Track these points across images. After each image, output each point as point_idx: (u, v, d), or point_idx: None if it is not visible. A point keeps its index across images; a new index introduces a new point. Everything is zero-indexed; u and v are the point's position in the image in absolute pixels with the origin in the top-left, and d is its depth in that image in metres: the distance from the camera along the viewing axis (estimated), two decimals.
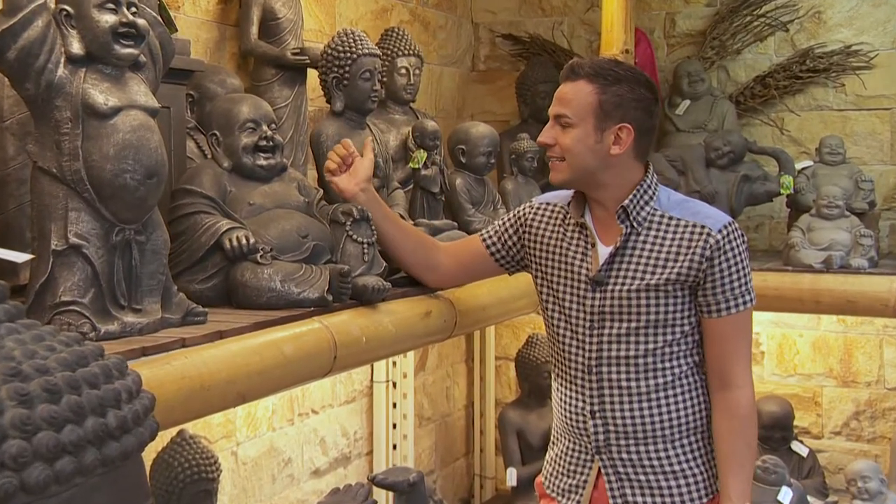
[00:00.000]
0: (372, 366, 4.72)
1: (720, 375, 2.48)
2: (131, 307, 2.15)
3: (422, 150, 3.56)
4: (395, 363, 4.84)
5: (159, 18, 2.28)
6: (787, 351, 5.15)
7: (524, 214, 2.71)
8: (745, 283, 2.45)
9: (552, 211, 2.65)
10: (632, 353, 2.47)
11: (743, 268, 2.45)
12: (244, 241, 2.55)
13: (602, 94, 2.43)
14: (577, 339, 2.53)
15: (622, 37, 4.25)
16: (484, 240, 2.80)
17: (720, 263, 2.42)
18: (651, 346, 2.46)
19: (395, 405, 4.82)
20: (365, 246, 2.80)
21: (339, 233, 2.79)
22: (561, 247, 2.59)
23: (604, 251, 2.49)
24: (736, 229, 2.45)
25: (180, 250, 2.59)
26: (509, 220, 2.76)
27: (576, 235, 2.56)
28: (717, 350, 2.48)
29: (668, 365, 2.47)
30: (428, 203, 3.49)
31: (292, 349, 2.38)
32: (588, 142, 2.44)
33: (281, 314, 2.48)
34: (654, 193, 2.50)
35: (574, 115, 2.44)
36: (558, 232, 2.61)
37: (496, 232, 2.78)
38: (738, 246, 2.44)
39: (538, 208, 2.69)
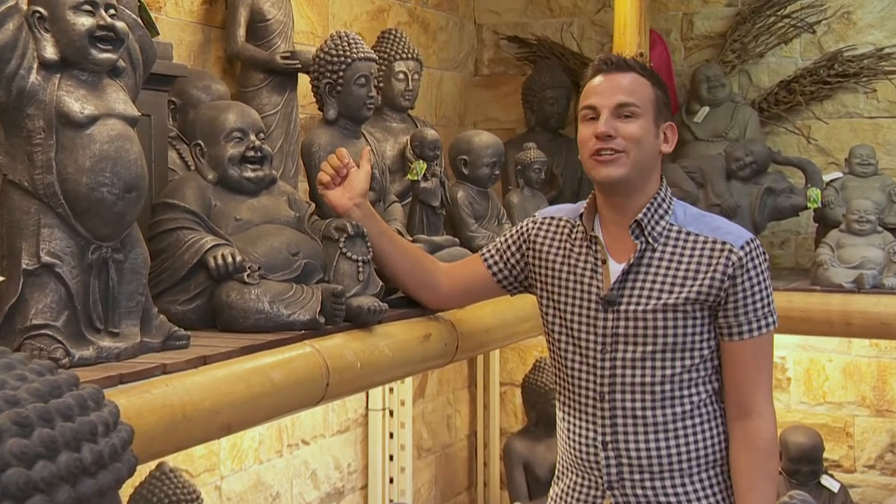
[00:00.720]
0: (367, 393, 4.71)
1: (739, 403, 2.47)
2: (108, 331, 2.15)
3: (421, 161, 3.56)
4: (391, 390, 4.83)
5: (139, 21, 2.29)
6: (816, 377, 5.14)
7: (527, 230, 2.71)
8: (768, 304, 2.45)
9: (557, 225, 2.64)
10: (647, 379, 2.45)
11: (765, 287, 2.45)
12: (230, 260, 2.55)
13: (657, 89, 2.50)
14: (588, 365, 2.51)
15: (636, 39, 4.26)
16: (485, 259, 2.79)
17: (743, 283, 2.41)
18: (668, 371, 2.45)
19: (391, 435, 4.81)
20: (360, 264, 2.80)
21: (332, 250, 2.79)
22: (568, 264, 2.57)
23: (615, 268, 2.49)
24: (758, 246, 2.46)
25: (161, 269, 2.59)
26: (511, 236, 2.75)
27: (584, 251, 2.55)
28: (736, 376, 2.47)
29: (686, 392, 2.46)
30: (427, 218, 3.49)
31: (281, 375, 2.37)
32: (650, 136, 2.48)
33: (269, 338, 2.47)
34: (669, 207, 2.50)
35: (641, 105, 2.46)
36: (565, 248, 2.60)
37: (497, 250, 2.77)
38: (760, 264, 2.44)
39: (542, 223, 2.68)
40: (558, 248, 2.61)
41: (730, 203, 4.56)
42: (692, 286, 2.41)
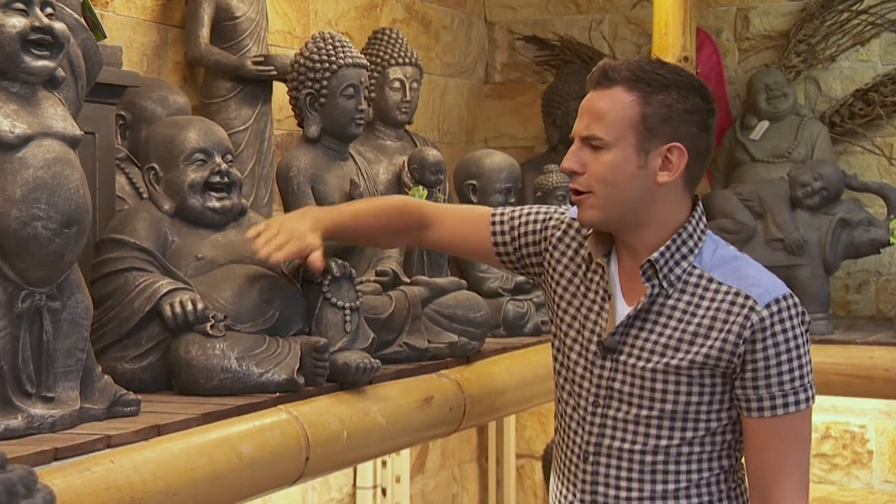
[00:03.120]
0: (355, 469, 4.69)
1: (760, 490, 2.44)
2: (41, 395, 2.13)
3: (421, 187, 3.57)
4: (385, 464, 4.81)
5: (82, 21, 2.30)
6: None
7: (553, 225, 2.62)
8: (801, 377, 2.37)
9: (582, 237, 2.59)
10: (637, 446, 2.44)
11: (798, 356, 2.36)
12: (189, 307, 2.55)
13: (646, 104, 2.38)
14: (579, 415, 2.51)
15: (679, 40, 4.28)
16: (493, 223, 2.72)
17: (766, 349, 2.34)
18: (663, 442, 2.43)
19: None
20: (347, 312, 2.79)
21: (313, 295, 2.79)
22: (578, 287, 2.53)
23: (623, 310, 2.46)
24: (793, 306, 2.38)
25: (107, 319, 2.58)
26: (535, 218, 2.63)
27: (595, 278, 2.52)
28: (756, 459, 2.43)
29: (682, 468, 2.44)
30: (429, 255, 3.49)
31: (252, 448, 2.36)
32: (628, 168, 2.38)
33: (237, 402, 2.46)
34: (696, 244, 2.44)
35: (608, 134, 2.38)
36: (579, 266, 2.57)
37: (511, 220, 2.67)
38: (792, 328, 2.36)
39: (568, 226, 2.61)
40: (576, 265, 2.56)
41: (795, 237, 4.56)
42: (701, 347, 2.37)
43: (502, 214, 2.70)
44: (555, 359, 2.62)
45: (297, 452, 2.49)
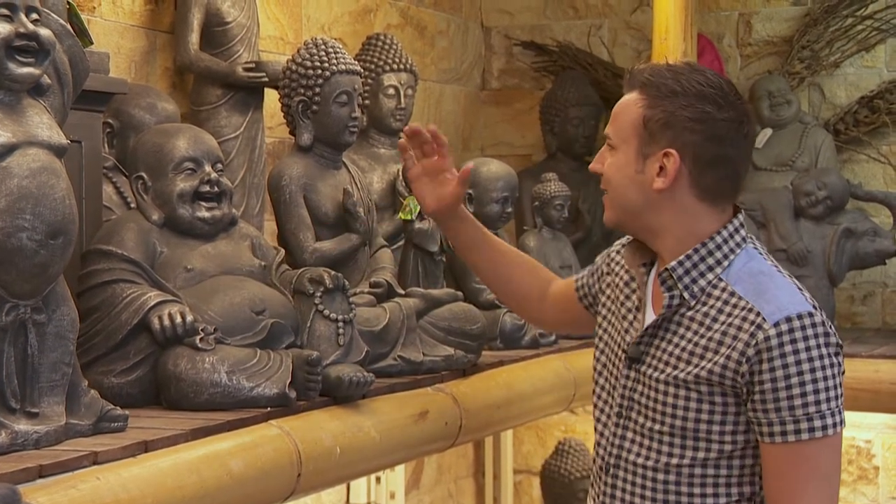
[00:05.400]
0: (348, 485, 4.69)
1: None
2: (25, 410, 2.13)
3: (415, 197, 3.57)
4: (379, 480, 4.81)
5: (68, 27, 2.30)
6: None
7: (604, 260, 2.73)
8: (816, 402, 2.29)
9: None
10: (650, 462, 2.44)
11: (813, 380, 2.29)
12: (178, 320, 2.54)
13: (649, 108, 2.40)
14: (605, 427, 2.55)
15: (680, 46, 4.28)
16: (576, 280, 2.82)
17: (773, 370, 2.29)
18: (674, 460, 2.41)
19: None
20: (340, 325, 2.80)
21: (306, 307, 2.79)
22: (618, 301, 2.58)
23: (650, 319, 2.48)
24: (810, 326, 2.31)
25: (93, 332, 2.58)
26: (596, 264, 2.78)
27: (633, 287, 2.55)
28: (771, 486, 2.39)
29: (697, 491, 2.40)
30: (424, 265, 3.49)
31: (242, 465, 2.35)
32: (627, 171, 2.43)
33: (227, 417, 2.46)
34: (726, 255, 2.43)
35: (616, 135, 2.44)
36: (622, 280, 2.61)
37: (586, 275, 2.80)
38: (807, 349, 2.30)
39: (614, 253, 2.69)
40: (620, 279, 2.61)
41: (798, 248, 4.56)
42: (708, 363, 2.35)
43: (581, 276, 2.79)
44: (595, 370, 2.64)
45: (288, 469, 2.49)
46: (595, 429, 2.61)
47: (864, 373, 3.59)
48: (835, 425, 2.31)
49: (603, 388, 2.57)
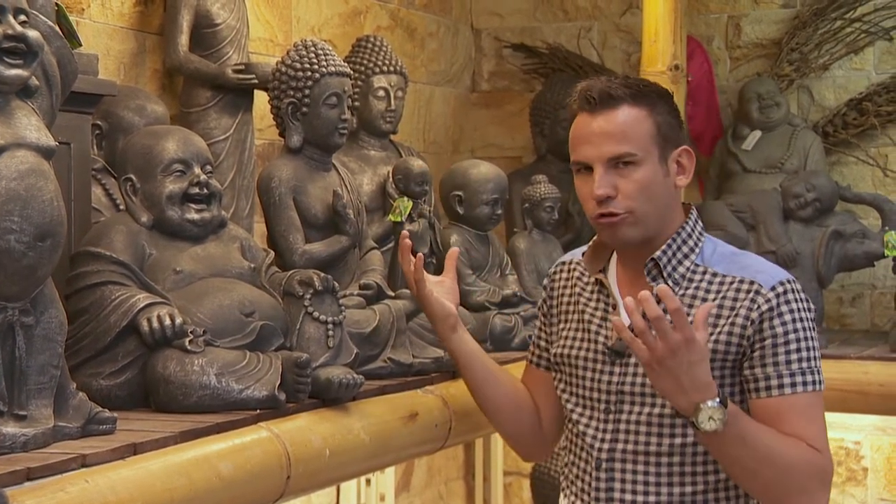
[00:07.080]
0: (338, 487, 4.68)
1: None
2: (13, 413, 2.12)
3: (406, 198, 3.56)
4: (368, 482, 4.80)
5: (57, 29, 2.30)
6: None
7: (545, 292, 2.76)
8: (808, 360, 2.43)
9: (569, 270, 2.72)
10: (652, 448, 2.47)
11: (805, 338, 2.43)
12: (167, 322, 2.54)
13: (656, 115, 2.51)
14: (590, 426, 2.55)
15: (670, 48, 4.29)
16: (530, 361, 2.82)
17: (773, 328, 2.41)
18: (678, 440, 2.46)
19: None
20: (329, 327, 2.79)
21: (295, 309, 2.78)
22: (576, 310, 2.63)
23: (625, 315, 2.51)
24: (797, 290, 2.47)
25: (82, 335, 2.57)
26: (539, 311, 2.80)
27: (594, 296, 2.60)
28: None
29: (700, 469, 2.47)
30: None
31: (232, 467, 2.35)
32: (658, 179, 2.50)
33: (216, 419, 2.45)
34: (696, 243, 2.54)
35: (639, 149, 2.48)
36: (574, 293, 2.66)
37: (535, 343, 2.80)
38: (798, 310, 2.45)
39: (553, 275, 2.75)
40: (570, 295, 2.67)
41: (787, 249, 4.56)
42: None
43: (530, 352, 2.81)
44: (558, 379, 2.65)
45: (278, 471, 2.48)
46: (570, 440, 2.63)
47: (852, 374, 3.59)
48: (821, 382, 2.46)
49: (578, 395, 2.62)
